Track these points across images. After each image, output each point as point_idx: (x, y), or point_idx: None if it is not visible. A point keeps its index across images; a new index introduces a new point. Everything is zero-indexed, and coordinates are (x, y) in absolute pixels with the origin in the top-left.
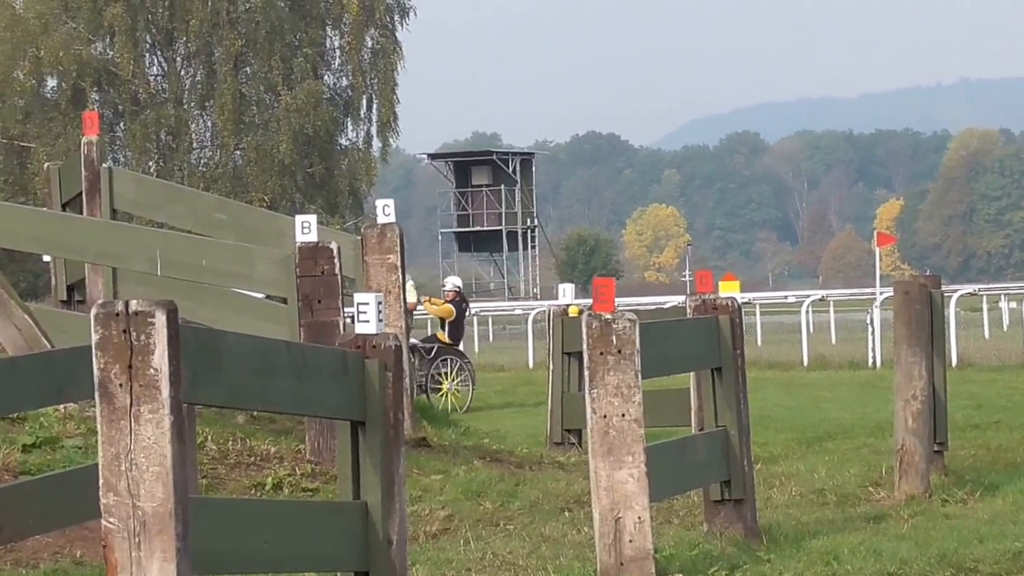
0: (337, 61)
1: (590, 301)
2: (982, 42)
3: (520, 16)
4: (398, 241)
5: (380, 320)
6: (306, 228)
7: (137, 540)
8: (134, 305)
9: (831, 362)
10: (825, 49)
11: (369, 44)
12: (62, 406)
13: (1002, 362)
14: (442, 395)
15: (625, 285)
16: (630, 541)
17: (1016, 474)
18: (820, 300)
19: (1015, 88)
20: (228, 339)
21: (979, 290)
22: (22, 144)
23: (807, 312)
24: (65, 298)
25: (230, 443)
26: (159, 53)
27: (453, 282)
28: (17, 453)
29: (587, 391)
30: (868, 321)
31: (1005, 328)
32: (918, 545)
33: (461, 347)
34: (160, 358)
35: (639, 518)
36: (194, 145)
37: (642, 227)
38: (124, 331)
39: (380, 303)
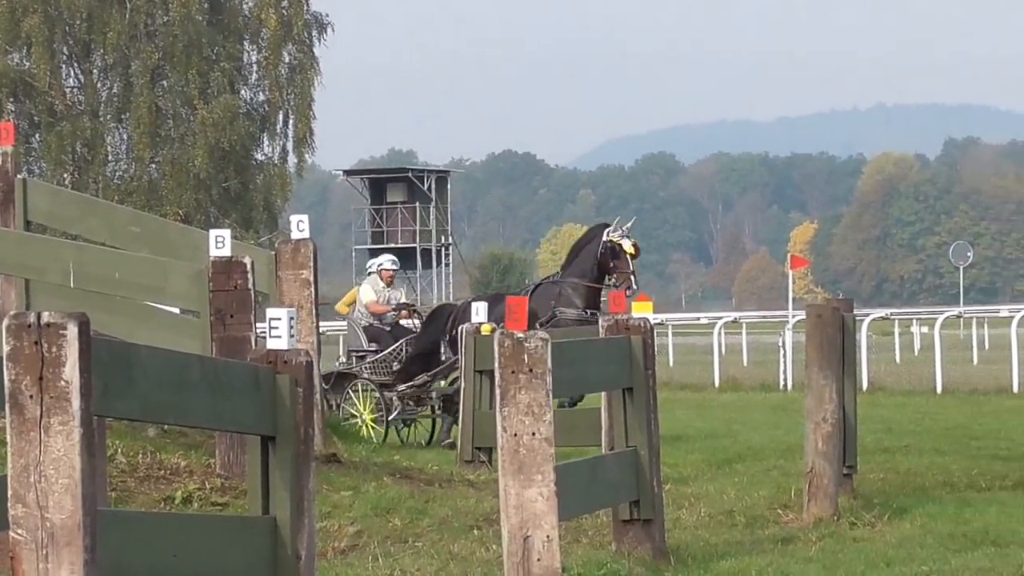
0: (254, 76)
1: (504, 320)
2: (899, 67)
3: (437, 34)
4: (312, 257)
5: (292, 336)
6: (220, 242)
7: (45, 552)
8: (46, 317)
9: (743, 384)
10: (743, 72)
11: (287, 59)
12: None
13: (913, 386)
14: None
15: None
16: (538, 560)
17: (924, 498)
18: (733, 322)
19: (931, 113)
20: (141, 352)
21: (891, 314)
22: None
23: (719, 334)
24: None
25: (140, 456)
26: (76, 65)
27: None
28: None
29: (498, 409)
30: (780, 344)
31: (916, 352)
32: (826, 568)
33: None
34: (71, 370)
35: (548, 537)
36: (110, 158)
37: (556, 246)
38: (35, 343)
39: (292, 319)
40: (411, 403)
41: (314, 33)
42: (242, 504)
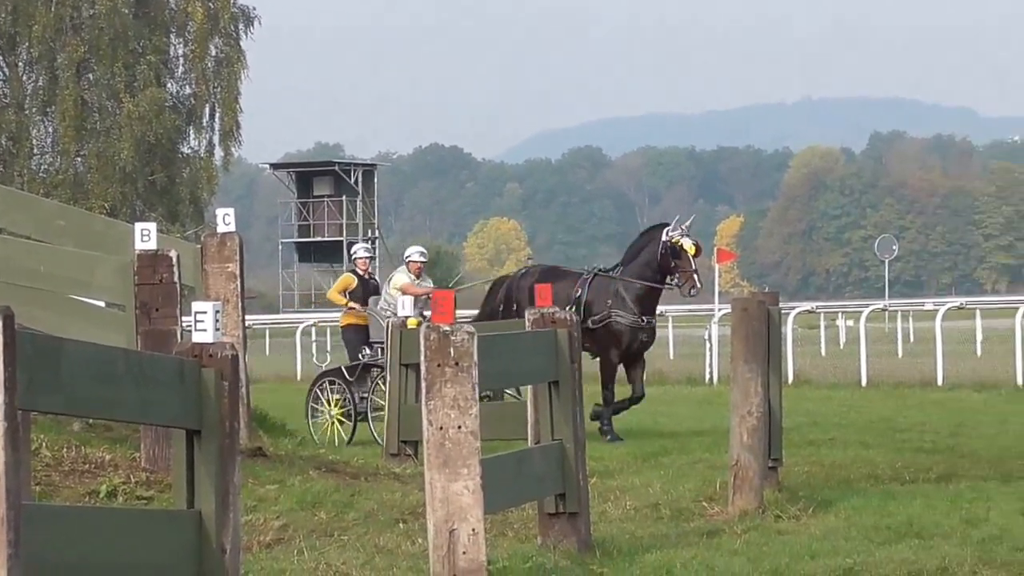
0: (181, 69)
1: (430, 313)
2: (825, 61)
3: (365, 28)
4: (238, 250)
5: (218, 329)
6: (145, 236)
7: None
8: None
9: (669, 377)
10: (670, 66)
11: (213, 52)
12: None
13: (838, 379)
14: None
15: (466, 297)
16: (464, 553)
17: (849, 491)
18: (659, 315)
19: (857, 107)
20: (66, 346)
21: (817, 308)
22: None
23: None
24: None
25: (65, 450)
26: (1, 58)
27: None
28: None
29: (424, 403)
30: (706, 337)
31: (842, 346)
32: (751, 560)
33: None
34: None
35: (473, 530)
36: (35, 151)
37: (484, 240)
38: None
39: (218, 312)
40: None
41: (241, 26)
42: (167, 498)
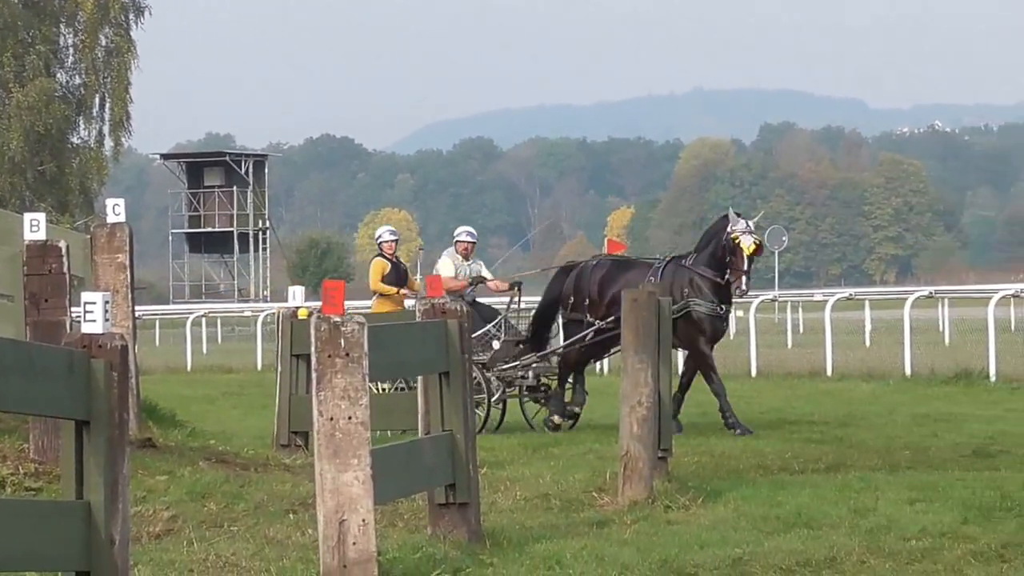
0: (71, 59)
1: (320, 304)
2: (716, 53)
3: (256, 17)
4: (128, 241)
5: (107, 320)
6: (35, 226)
7: None
8: None
9: None
10: (561, 57)
11: (103, 43)
12: None
13: (728, 370)
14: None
15: (357, 288)
16: (354, 544)
17: (738, 481)
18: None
19: (747, 99)
20: None
21: None
22: None
23: None
24: None
25: None
26: None
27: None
28: None
29: (314, 393)
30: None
31: (731, 336)
32: (640, 551)
33: None
34: None
35: (363, 521)
36: None
37: (375, 231)
38: None
39: (107, 302)
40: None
41: (131, 16)
42: (56, 489)
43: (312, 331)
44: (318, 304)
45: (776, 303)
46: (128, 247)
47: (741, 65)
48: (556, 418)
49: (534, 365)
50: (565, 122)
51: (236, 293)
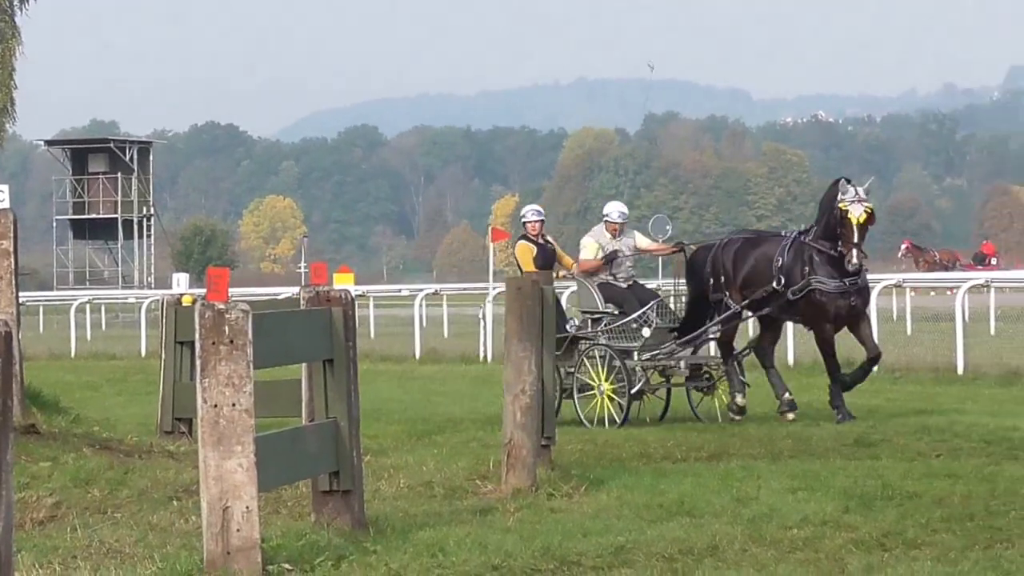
0: None
1: (205, 291)
2: (599, 42)
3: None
4: (12, 227)
5: None
6: None
7: None
8: None
9: (444, 356)
10: (445, 46)
11: None
12: None
13: None
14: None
15: (241, 275)
16: (237, 531)
17: (621, 469)
18: (434, 294)
19: (631, 88)
20: None
21: None
22: None
23: (420, 306)
24: None
25: None
26: None
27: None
28: None
29: (199, 381)
30: (480, 316)
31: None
32: (523, 538)
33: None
34: None
35: (247, 508)
36: None
37: (259, 218)
38: None
39: None
40: (653, 373)
41: (15, 2)
42: None
43: (196, 318)
44: (202, 291)
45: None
46: (12, 233)
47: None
48: (739, 399)
49: (679, 353)
50: (449, 111)
51: (120, 280)
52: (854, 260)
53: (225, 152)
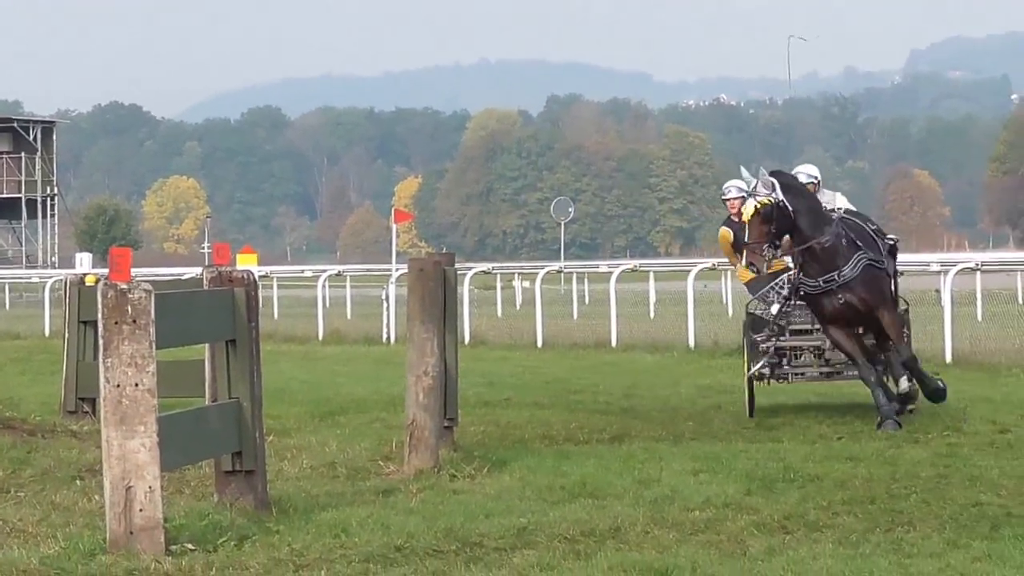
0: None
1: (108, 270)
2: (502, 24)
3: None
4: None
5: None
6: None
7: None
8: None
9: (347, 337)
10: (348, 26)
11: None
12: None
13: (514, 340)
14: None
15: (144, 255)
16: (140, 510)
17: (524, 451)
18: (337, 275)
19: (533, 71)
20: None
21: (493, 268)
22: None
23: (324, 287)
24: None
25: None
26: None
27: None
28: None
29: (101, 360)
30: (384, 297)
31: (518, 307)
32: (426, 519)
33: None
34: None
35: (150, 487)
36: None
37: (163, 198)
38: None
39: None
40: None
41: None
42: None
43: (99, 298)
44: (106, 271)
45: (562, 274)
46: None
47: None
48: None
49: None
50: (352, 92)
51: (24, 259)
52: (742, 263)
53: (129, 132)
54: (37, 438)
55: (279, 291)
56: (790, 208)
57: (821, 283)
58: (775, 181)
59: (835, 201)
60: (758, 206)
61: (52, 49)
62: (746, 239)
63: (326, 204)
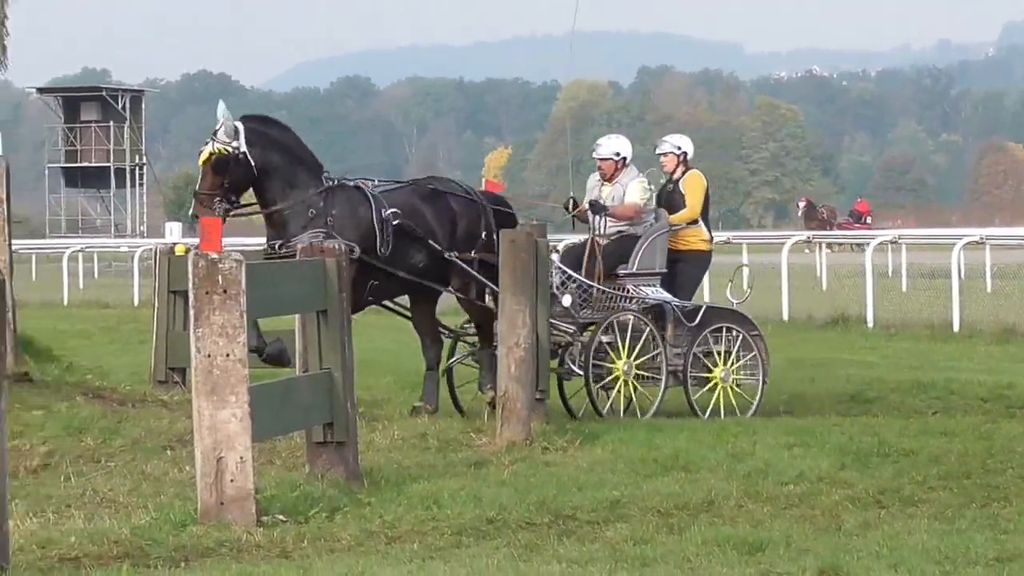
0: None
1: (197, 240)
2: None
3: None
4: (4, 175)
5: None
6: None
7: None
8: None
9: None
10: None
11: None
12: None
13: None
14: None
15: (233, 224)
16: (231, 481)
17: (615, 424)
18: None
19: (623, 41)
20: None
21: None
22: None
23: None
24: None
25: None
26: None
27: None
28: None
29: (192, 330)
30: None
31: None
32: (518, 491)
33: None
34: None
35: (241, 458)
36: None
37: None
38: None
39: None
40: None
41: None
42: None
43: (190, 268)
44: (195, 241)
45: None
46: (5, 181)
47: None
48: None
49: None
50: (441, 62)
51: (113, 228)
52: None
53: (217, 101)
54: (127, 408)
55: None
56: (253, 163)
57: (271, 250)
58: (240, 127)
59: (627, 189)
60: (214, 152)
61: (141, 18)
62: (197, 188)
63: (415, 175)
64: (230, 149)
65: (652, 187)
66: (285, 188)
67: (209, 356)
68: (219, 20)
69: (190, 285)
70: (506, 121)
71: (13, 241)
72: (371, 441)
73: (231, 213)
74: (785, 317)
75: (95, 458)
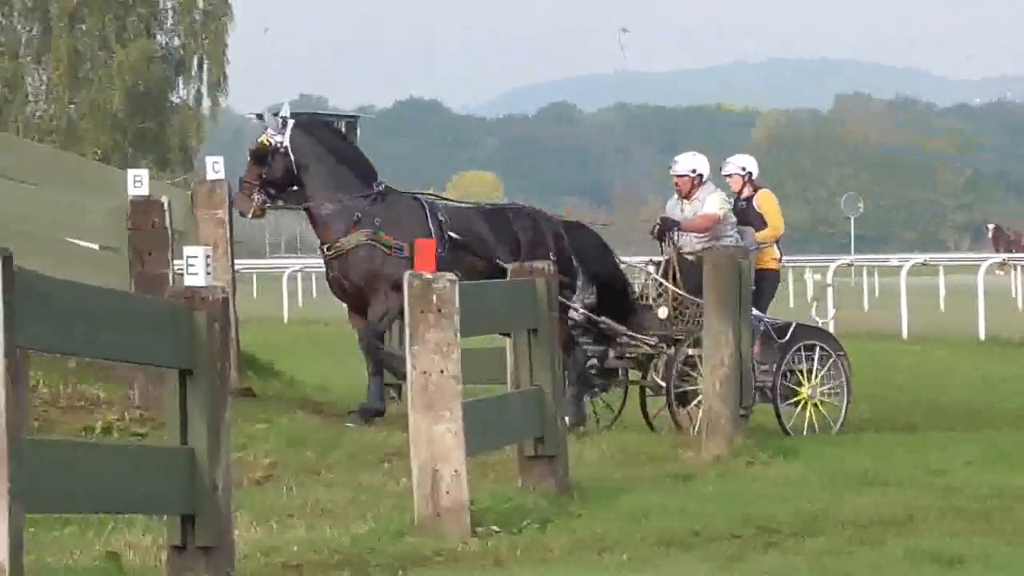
0: (170, 21)
1: (413, 261)
2: (784, 23)
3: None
4: (226, 197)
5: (208, 273)
6: (138, 182)
7: None
8: None
9: None
10: (644, 24)
11: (201, 6)
12: None
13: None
14: (801, 406)
15: None
16: (447, 493)
17: (816, 439)
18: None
19: (815, 66)
20: (59, 286)
21: (785, 262)
22: None
23: None
24: None
25: (61, 386)
26: None
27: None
28: None
29: (408, 348)
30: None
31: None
32: (722, 504)
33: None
34: None
35: (456, 471)
36: (29, 98)
37: (462, 192)
38: None
39: (208, 256)
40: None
41: None
42: (161, 436)
43: (405, 287)
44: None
45: (852, 268)
46: (227, 203)
47: (809, 35)
48: None
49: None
50: (644, 88)
51: None
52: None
53: (427, 127)
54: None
55: None
56: (293, 159)
57: (325, 251)
58: (289, 121)
59: (705, 202)
60: (261, 144)
61: (354, 46)
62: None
63: (618, 198)
64: (273, 142)
65: (730, 200)
66: (327, 188)
67: (425, 373)
68: (429, 48)
69: (406, 304)
70: (705, 148)
71: (235, 261)
72: (581, 455)
73: (268, 205)
74: (982, 336)
75: (315, 470)
